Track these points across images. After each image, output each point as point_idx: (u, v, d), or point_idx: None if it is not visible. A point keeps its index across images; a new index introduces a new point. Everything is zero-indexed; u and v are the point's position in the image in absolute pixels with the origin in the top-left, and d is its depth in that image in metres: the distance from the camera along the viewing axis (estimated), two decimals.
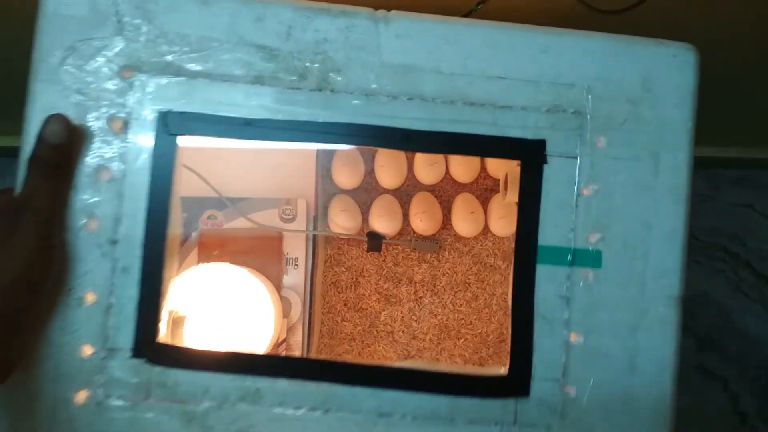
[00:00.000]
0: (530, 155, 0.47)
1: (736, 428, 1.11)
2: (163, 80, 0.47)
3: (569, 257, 0.47)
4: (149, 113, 0.47)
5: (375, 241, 0.70)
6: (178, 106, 0.47)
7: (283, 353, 0.70)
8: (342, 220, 0.70)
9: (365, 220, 0.72)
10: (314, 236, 0.71)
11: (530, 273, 0.46)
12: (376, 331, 0.71)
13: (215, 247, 0.70)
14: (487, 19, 0.66)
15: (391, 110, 0.47)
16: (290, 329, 0.70)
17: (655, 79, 0.48)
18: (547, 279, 0.47)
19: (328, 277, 0.72)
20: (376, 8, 0.49)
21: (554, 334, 0.47)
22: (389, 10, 0.54)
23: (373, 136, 0.47)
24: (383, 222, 0.70)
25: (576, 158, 0.47)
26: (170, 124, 0.47)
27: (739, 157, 1.12)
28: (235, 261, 0.66)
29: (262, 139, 0.47)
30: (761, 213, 1.16)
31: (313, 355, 0.70)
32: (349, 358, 0.71)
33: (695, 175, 1.07)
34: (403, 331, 0.71)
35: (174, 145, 0.47)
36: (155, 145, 0.47)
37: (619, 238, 0.47)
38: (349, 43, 0.47)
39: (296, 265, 0.71)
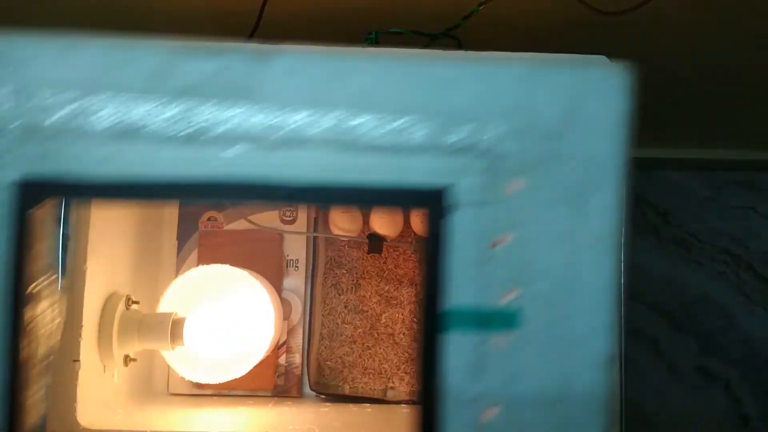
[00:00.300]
0: (431, 205, 0.37)
1: (738, 431, 1.05)
2: (23, 139, 0.38)
3: (481, 321, 0.37)
4: (6, 180, 0.37)
5: (376, 242, 0.66)
6: (38, 169, 0.38)
7: (284, 356, 0.66)
8: (343, 222, 0.66)
9: (366, 222, 0.68)
10: (315, 238, 0.67)
11: (436, 342, 0.37)
12: (377, 333, 0.67)
13: (215, 249, 0.67)
14: (484, 24, 0.62)
15: (277, 161, 0.37)
16: (290, 331, 0.67)
17: (580, 108, 0.38)
18: (455, 347, 0.37)
19: (328, 279, 0.68)
20: (371, 16, 0.45)
21: (464, 411, 0.37)
22: (385, 15, 0.49)
23: (254, 193, 0.37)
24: (384, 224, 0.66)
25: (488, 205, 0.38)
26: (29, 193, 0.37)
27: (741, 159, 1.07)
28: (235, 263, 0.62)
29: (133, 199, 0.39)
30: (763, 215, 1.11)
31: (313, 357, 0.65)
32: (350, 360, 0.67)
33: (697, 177, 1.02)
34: (404, 334, 0.67)
35: (31, 216, 0.38)
36: (13, 217, 0.37)
37: (539, 295, 0.38)
38: (228, 85, 0.38)
39: (297, 266, 0.67)
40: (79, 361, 0.51)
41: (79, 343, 0.51)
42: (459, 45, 0.59)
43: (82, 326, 0.51)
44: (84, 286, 0.51)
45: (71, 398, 0.50)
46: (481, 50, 0.55)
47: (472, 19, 0.59)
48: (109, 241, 0.56)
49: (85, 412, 0.51)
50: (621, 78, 0.39)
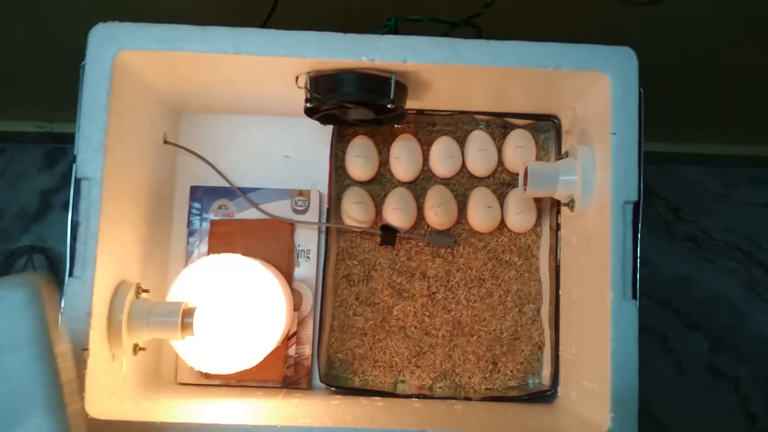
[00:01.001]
0: None
1: (746, 430, 1.04)
2: None
3: None
4: None
5: (389, 234, 0.65)
6: None
7: (294, 347, 0.65)
8: (355, 213, 0.65)
9: (379, 212, 0.67)
10: (327, 228, 0.66)
11: None
12: (388, 326, 0.66)
13: (226, 238, 0.65)
14: (506, 12, 0.60)
15: None
16: (301, 322, 0.66)
17: None
18: None
19: (340, 270, 0.66)
20: (391, 3, 0.43)
21: None
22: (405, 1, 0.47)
23: None
24: (397, 215, 0.65)
25: None
26: None
27: (757, 155, 1.05)
28: (246, 252, 0.61)
29: None
30: None
31: (324, 349, 0.64)
32: (360, 353, 0.66)
33: (711, 173, 1.01)
34: (415, 327, 0.66)
35: None
36: None
37: None
38: None
39: (308, 257, 0.66)
40: (87, 349, 0.49)
41: (88, 331, 0.50)
42: (479, 33, 0.58)
43: (91, 314, 0.50)
44: (94, 273, 0.50)
45: (80, 388, 0.49)
46: (502, 39, 0.54)
47: (493, 7, 0.58)
48: (120, 227, 0.55)
49: (93, 402, 0.50)
50: (25, 296, 0.32)
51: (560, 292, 0.64)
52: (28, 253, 1.08)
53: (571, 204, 0.58)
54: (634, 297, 0.53)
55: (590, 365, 0.55)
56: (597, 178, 0.55)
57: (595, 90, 0.56)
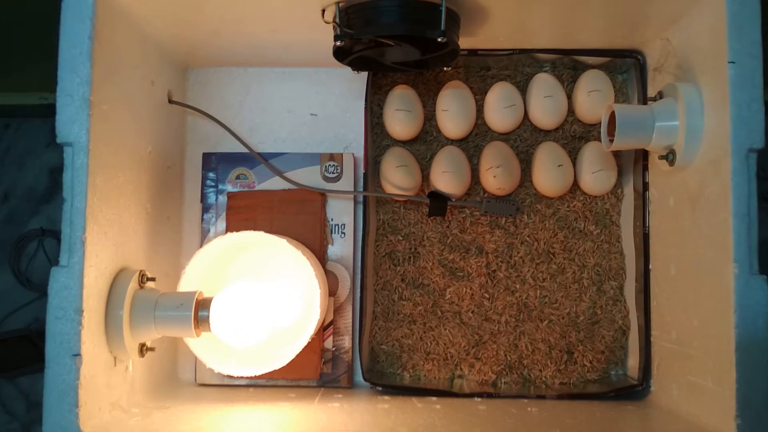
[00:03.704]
0: None
1: None
2: None
3: None
4: None
5: (438, 203, 0.55)
6: None
7: (330, 338, 0.55)
8: (397, 179, 0.55)
9: (425, 177, 0.58)
10: (364, 198, 0.57)
11: None
12: (441, 311, 0.56)
13: (246, 213, 0.56)
14: None
15: None
16: (337, 310, 0.56)
17: None
18: None
19: (381, 247, 0.57)
20: None
21: None
22: None
23: None
24: (447, 179, 0.55)
25: None
26: None
27: None
28: (270, 229, 0.52)
29: None
30: None
31: (366, 340, 0.54)
32: (409, 343, 0.55)
33: None
34: (473, 312, 0.56)
35: None
36: None
37: None
38: None
39: (343, 233, 0.57)
40: (80, 355, 0.40)
41: (79, 332, 0.40)
42: None
43: (82, 311, 0.40)
44: (83, 260, 0.41)
45: (71, 402, 0.39)
46: None
47: None
48: (116, 204, 0.45)
49: (90, 418, 0.41)
50: None
51: (650, 266, 0.53)
52: (39, 237, 1.01)
53: (670, 157, 0.47)
54: (762, 271, 0.42)
55: (701, 356, 0.44)
56: (706, 122, 0.44)
57: (699, 9, 0.44)
